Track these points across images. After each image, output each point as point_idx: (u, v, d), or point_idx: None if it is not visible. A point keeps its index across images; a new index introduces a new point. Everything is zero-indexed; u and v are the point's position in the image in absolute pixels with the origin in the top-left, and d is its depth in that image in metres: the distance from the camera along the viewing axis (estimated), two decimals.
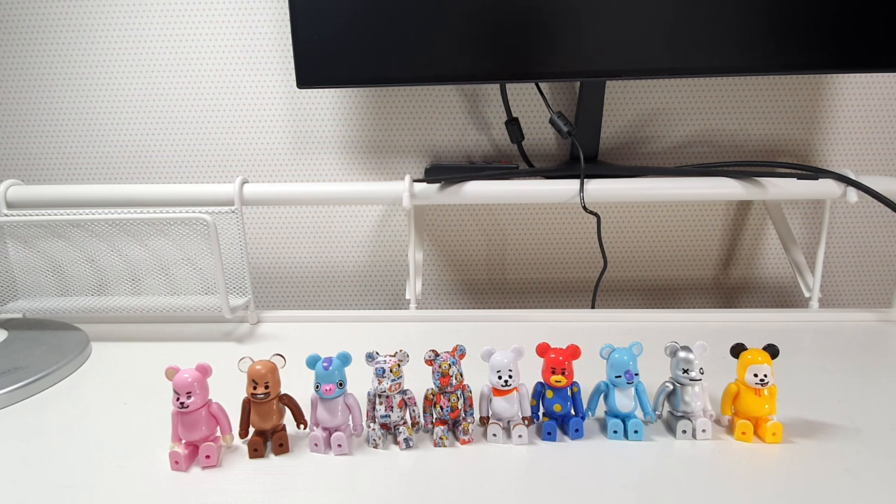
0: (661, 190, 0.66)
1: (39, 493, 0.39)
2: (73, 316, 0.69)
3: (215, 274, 0.63)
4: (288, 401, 0.44)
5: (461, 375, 0.43)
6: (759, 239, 0.81)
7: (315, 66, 0.64)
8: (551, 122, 0.70)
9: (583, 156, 0.68)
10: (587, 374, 0.44)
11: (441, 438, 0.43)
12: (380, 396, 0.43)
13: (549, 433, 0.44)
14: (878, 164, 0.78)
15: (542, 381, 0.44)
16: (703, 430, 0.43)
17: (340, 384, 0.42)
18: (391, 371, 0.42)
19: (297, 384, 0.45)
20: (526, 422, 0.44)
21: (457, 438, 0.44)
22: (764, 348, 0.43)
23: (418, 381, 0.45)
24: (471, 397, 0.45)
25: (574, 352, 0.43)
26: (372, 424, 0.44)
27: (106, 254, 0.66)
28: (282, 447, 0.43)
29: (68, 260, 0.66)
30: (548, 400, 0.44)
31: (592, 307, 0.77)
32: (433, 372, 0.43)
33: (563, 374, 0.42)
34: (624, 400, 0.43)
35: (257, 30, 0.75)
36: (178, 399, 0.40)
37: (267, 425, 0.43)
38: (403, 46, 0.63)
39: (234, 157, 0.80)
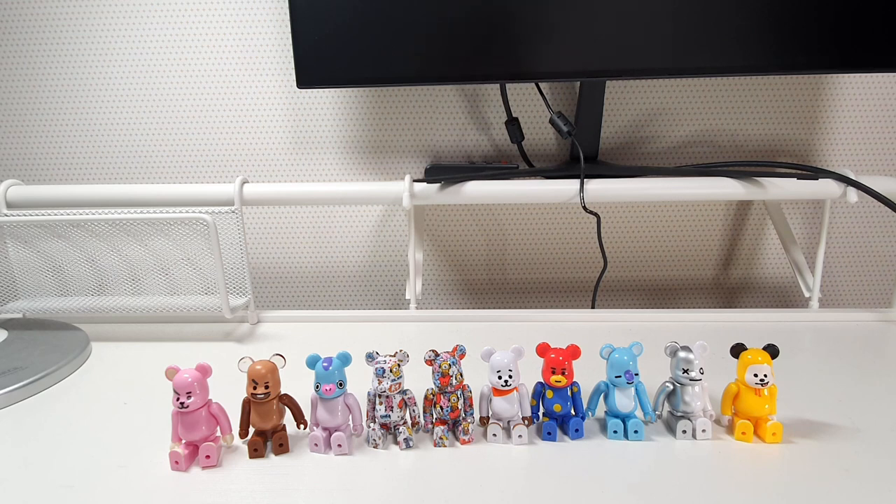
0: (661, 190, 0.66)
1: (39, 493, 0.39)
2: (73, 316, 0.68)
3: (215, 274, 0.63)
4: (288, 401, 0.44)
5: (461, 375, 0.43)
6: (759, 239, 0.81)
7: (315, 66, 0.64)
8: (551, 122, 0.70)
9: (583, 156, 0.68)
10: (587, 374, 0.44)
11: (441, 438, 0.43)
12: (380, 396, 0.43)
13: (549, 433, 0.44)
14: (878, 164, 0.78)
15: (542, 381, 0.44)
16: (703, 430, 0.43)
17: (340, 384, 0.42)
18: (391, 371, 0.42)
19: (297, 384, 0.44)
20: (526, 422, 0.44)
21: (457, 438, 0.44)
22: (764, 348, 0.43)
23: (418, 381, 0.45)
24: (471, 397, 0.45)
25: (574, 352, 0.43)
26: (372, 424, 0.44)
27: (106, 254, 0.67)
28: (282, 447, 0.43)
29: (68, 260, 0.66)
30: (548, 400, 0.44)
31: (592, 307, 0.77)
32: (433, 372, 0.43)
33: (563, 374, 0.42)
34: (624, 400, 0.43)
35: (257, 30, 0.75)
36: (178, 399, 0.40)
37: (267, 425, 0.43)
38: (403, 46, 0.63)
39: (234, 157, 0.80)
